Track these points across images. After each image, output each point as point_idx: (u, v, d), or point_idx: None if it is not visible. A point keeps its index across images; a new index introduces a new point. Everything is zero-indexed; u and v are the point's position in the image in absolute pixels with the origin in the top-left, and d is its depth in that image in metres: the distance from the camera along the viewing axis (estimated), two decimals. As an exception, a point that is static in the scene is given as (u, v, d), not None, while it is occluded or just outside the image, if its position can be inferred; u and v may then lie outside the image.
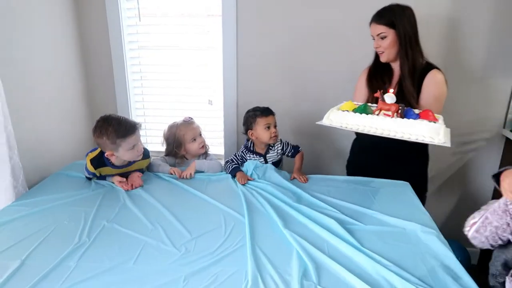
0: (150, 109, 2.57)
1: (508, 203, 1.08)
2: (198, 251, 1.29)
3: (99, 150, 1.79)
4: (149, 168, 1.96)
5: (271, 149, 2.01)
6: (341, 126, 1.45)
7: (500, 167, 2.34)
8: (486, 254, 2.49)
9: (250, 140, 1.99)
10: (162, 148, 2.15)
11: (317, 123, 1.49)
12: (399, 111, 1.41)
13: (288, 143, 2.03)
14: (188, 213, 1.54)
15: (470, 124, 2.29)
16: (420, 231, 1.41)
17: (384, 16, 1.70)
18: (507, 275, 1.16)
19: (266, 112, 1.92)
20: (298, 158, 2.00)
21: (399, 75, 1.77)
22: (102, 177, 1.83)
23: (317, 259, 1.25)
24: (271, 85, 2.31)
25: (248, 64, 2.30)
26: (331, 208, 1.57)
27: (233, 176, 1.88)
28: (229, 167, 1.95)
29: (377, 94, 1.48)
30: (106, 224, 1.45)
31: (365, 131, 1.42)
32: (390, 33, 1.70)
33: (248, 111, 1.97)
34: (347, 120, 1.45)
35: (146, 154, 1.89)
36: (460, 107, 2.26)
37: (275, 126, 1.94)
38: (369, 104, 1.59)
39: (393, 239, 1.38)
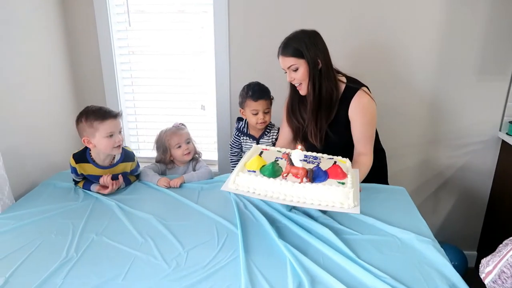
0: (142, 115, 2.53)
1: None
2: (190, 265, 1.25)
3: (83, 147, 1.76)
4: (139, 177, 1.92)
5: (266, 134, 1.98)
6: (248, 192, 1.34)
7: (496, 170, 2.33)
8: (483, 257, 2.47)
9: (244, 120, 1.96)
10: (153, 154, 2.12)
11: (222, 189, 1.36)
12: (308, 175, 1.32)
13: None
14: (179, 224, 1.50)
15: (466, 127, 2.27)
16: (416, 240, 1.38)
17: (290, 47, 1.58)
18: None
19: (255, 96, 1.85)
20: None
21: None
22: (87, 186, 1.78)
23: (312, 272, 1.21)
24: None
25: (241, 68, 2.27)
26: (326, 216, 1.53)
27: None
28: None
29: (285, 156, 1.39)
30: (95, 237, 1.41)
31: (274, 199, 1.31)
32: (300, 64, 1.58)
33: (244, 87, 1.92)
34: (254, 184, 1.34)
35: (130, 156, 1.85)
36: (457, 111, 2.24)
37: (266, 112, 1.89)
38: (279, 160, 1.47)
39: (390, 249, 1.35)
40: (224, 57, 2.25)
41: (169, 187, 1.82)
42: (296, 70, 1.60)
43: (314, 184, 1.30)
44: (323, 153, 1.62)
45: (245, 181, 1.36)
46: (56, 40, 2.19)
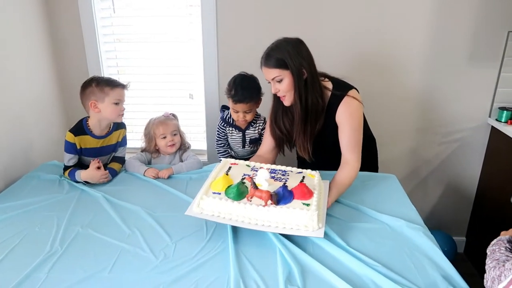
0: (128, 105, 2.45)
1: None
2: (178, 257, 1.23)
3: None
4: (126, 167, 1.89)
5: (252, 125, 1.95)
6: (213, 215, 1.33)
7: (485, 156, 2.34)
8: (472, 243, 2.50)
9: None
10: (140, 144, 2.08)
11: (186, 213, 1.34)
12: (272, 198, 1.31)
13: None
14: (167, 215, 1.47)
15: (456, 114, 2.27)
16: (406, 227, 1.37)
17: (273, 58, 1.51)
18: None
19: (236, 98, 1.80)
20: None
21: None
22: (73, 174, 1.74)
23: (302, 261, 1.20)
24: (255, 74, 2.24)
25: (229, 56, 2.22)
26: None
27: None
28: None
29: (249, 179, 1.37)
30: (80, 230, 1.38)
31: (238, 223, 1.30)
32: (285, 75, 1.51)
33: (231, 81, 1.85)
34: (218, 208, 1.32)
35: (121, 124, 1.91)
36: (446, 98, 2.24)
37: (247, 112, 1.85)
38: (245, 178, 1.43)
39: (380, 236, 1.34)
40: (212, 44, 2.20)
41: (157, 178, 1.78)
42: (280, 81, 1.53)
43: (278, 207, 1.29)
44: (315, 163, 1.63)
45: (209, 204, 1.34)
46: (37, 29, 2.12)
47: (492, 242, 1.12)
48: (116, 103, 1.75)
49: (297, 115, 1.60)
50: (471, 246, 2.51)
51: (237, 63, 2.05)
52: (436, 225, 2.51)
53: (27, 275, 1.14)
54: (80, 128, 1.77)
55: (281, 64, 1.50)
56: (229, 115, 1.96)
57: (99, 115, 1.75)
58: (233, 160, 1.62)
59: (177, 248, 1.28)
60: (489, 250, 1.10)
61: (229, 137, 2.00)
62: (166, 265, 1.19)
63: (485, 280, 1.03)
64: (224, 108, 2.04)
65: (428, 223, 1.53)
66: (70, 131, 1.76)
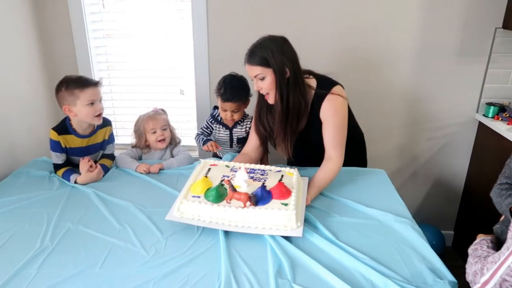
0: (119, 100, 2.47)
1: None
2: (169, 252, 1.24)
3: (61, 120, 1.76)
4: (117, 163, 1.89)
5: (239, 124, 1.96)
6: (193, 219, 1.34)
7: (473, 152, 2.37)
8: (460, 236, 2.54)
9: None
10: (130, 140, 2.08)
11: (166, 218, 1.35)
12: (251, 199, 1.33)
13: None
14: (158, 210, 1.47)
15: (444, 110, 2.30)
16: (395, 221, 1.39)
17: (256, 55, 1.52)
18: None
19: (225, 97, 1.82)
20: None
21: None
22: (67, 176, 1.72)
23: (292, 255, 1.22)
24: (245, 73, 2.24)
25: (220, 52, 2.22)
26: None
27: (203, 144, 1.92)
28: (200, 140, 1.99)
29: (227, 182, 1.39)
30: (71, 226, 1.38)
31: (219, 226, 1.31)
32: (267, 73, 1.52)
33: (221, 80, 1.86)
34: (198, 211, 1.34)
35: (107, 121, 1.86)
36: (435, 93, 2.26)
37: (235, 111, 1.87)
38: (224, 180, 1.44)
39: (369, 230, 1.36)
40: (202, 40, 2.20)
41: (148, 173, 1.79)
42: (262, 79, 1.54)
43: (257, 208, 1.30)
44: (300, 161, 1.66)
45: (189, 208, 1.35)
46: (26, 24, 2.09)
47: (474, 242, 1.14)
48: (91, 103, 1.66)
49: (277, 114, 1.61)
50: (459, 240, 2.55)
51: (227, 59, 2.05)
52: (425, 219, 2.54)
53: (18, 271, 1.14)
54: (64, 127, 1.73)
55: (263, 62, 1.51)
56: (218, 113, 1.97)
57: (77, 118, 1.70)
58: (212, 161, 1.63)
59: (168, 243, 1.28)
60: (471, 249, 1.12)
61: (217, 134, 2.00)
62: (157, 260, 1.20)
63: (466, 275, 1.04)
64: (216, 108, 2.04)
65: (417, 217, 1.55)
66: (54, 129, 1.72)
